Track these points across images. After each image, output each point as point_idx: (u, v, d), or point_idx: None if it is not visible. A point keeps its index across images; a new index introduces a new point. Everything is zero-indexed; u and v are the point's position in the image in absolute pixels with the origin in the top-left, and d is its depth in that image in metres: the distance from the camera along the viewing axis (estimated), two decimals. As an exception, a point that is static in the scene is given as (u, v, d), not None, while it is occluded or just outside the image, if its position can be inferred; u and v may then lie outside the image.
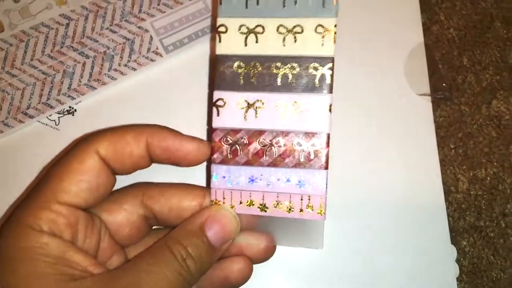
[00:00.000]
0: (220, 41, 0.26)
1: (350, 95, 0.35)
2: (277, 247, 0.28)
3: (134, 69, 0.35)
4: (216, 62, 0.26)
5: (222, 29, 0.26)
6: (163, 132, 0.27)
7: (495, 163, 0.35)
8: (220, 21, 0.26)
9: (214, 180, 0.26)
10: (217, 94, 0.26)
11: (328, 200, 0.33)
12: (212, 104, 0.26)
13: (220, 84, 0.26)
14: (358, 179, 0.34)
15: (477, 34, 0.37)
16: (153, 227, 0.29)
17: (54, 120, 0.34)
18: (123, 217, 0.27)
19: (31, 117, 0.34)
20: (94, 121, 0.34)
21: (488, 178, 0.35)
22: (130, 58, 0.35)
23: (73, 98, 0.34)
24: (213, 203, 0.26)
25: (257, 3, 0.26)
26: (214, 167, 0.26)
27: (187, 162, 0.27)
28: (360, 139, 0.35)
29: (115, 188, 0.27)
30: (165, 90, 0.35)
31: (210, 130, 0.27)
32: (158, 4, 0.36)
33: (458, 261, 0.33)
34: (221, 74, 0.26)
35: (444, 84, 0.36)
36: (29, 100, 0.34)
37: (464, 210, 0.35)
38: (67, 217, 0.24)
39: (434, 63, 0.36)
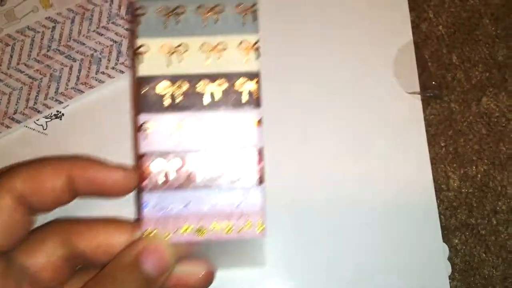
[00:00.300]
0: (141, 62, 0.25)
1: (340, 95, 0.35)
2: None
3: (122, 71, 0.34)
4: (138, 84, 0.25)
5: (142, 49, 0.25)
6: (85, 163, 0.25)
7: (486, 161, 0.35)
8: (140, 41, 0.25)
9: (145, 209, 0.25)
10: (142, 118, 0.25)
11: (322, 198, 0.33)
12: (137, 128, 0.25)
13: (145, 107, 0.25)
14: (350, 178, 0.34)
15: (466, 32, 0.37)
16: (79, 267, 0.27)
17: (42, 125, 0.34)
18: (43, 258, 0.25)
19: (18, 122, 0.33)
20: (82, 125, 0.34)
21: (479, 176, 0.35)
22: (118, 60, 0.35)
23: (60, 102, 0.34)
24: (146, 233, 0.25)
25: (177, 23, 0.25)
26: (144, 195, 0.25)
27: (115, 192, 0.26)
28: (351, 139, 0.34)
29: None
30: (154, 93, 0.35)
31: (137, 156, 0.25)
32: (145, 6, 0.36)
33: (450, 259, 0.33)
34: (144, 96, 0.25)
35: (433, 82, 0.36)
36: (16, 105, 0.33)
37: (456, 208, 0.35)
38: None
39: (423, 61, 0.36)
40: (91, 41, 0.35)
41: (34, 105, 0.34)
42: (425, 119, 0.35)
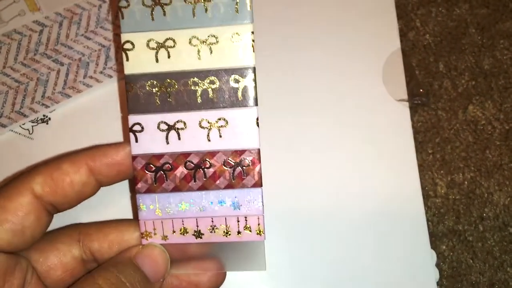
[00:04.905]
0: (127, 59, 0.23)
1: (328, 102, 0.35)
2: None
3: (110, 76, 0.34)
4: (126, 83, 0.24)
5: (128, 46, 0.23)
6: (102, 148, 0.25)
7: (472, 168, 0.36)
8: (124, 37, 0.23)
9: (142, 211, 0.24)
10: (132, 119, 0.24)
11: (309, 205, 0.33)
12: (128, 129, 0.24)
13: (135, 107, 0.24)
14: (338, 185, 0.34)
15: (453, 40, 0.38)
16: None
17: (28, 129, 0.33)
18: (55, 257, 0.25)
19: (4, 126, 0.33)
20: (68, 130, 0.33)
21: (466, 183, 0.35)
22: (106, 65, 0.34)
23: (47, 107, 0.33)
24: (143, 235, 0.25)
25: (164, 14, 0.23)
26: (139, 197, 0.24)
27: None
28: (339, 146, 0.35)
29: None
30: (142, 98, 0.34)
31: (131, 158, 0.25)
32: (135, 11, 0.35)
33: (438, 265, 0.34)
34: (134, 96, 0.23)
35: (421, 90, 0.36)
36: (1, 108, 0.33)
37: (443, 214, 0.35)
38: None
39: (411, 69, 0.36)
40: (79, 45, 0.34)
41: (20, 109, 0.33)
42: (413, 127, 0.35)
